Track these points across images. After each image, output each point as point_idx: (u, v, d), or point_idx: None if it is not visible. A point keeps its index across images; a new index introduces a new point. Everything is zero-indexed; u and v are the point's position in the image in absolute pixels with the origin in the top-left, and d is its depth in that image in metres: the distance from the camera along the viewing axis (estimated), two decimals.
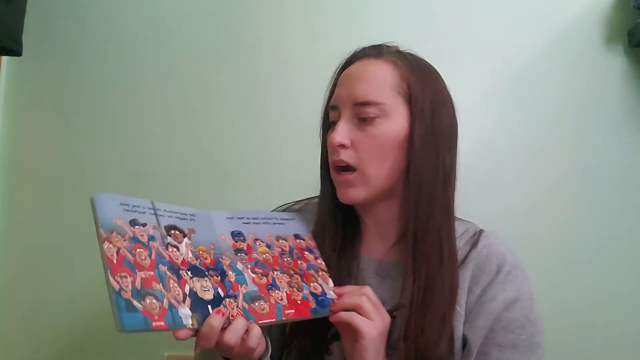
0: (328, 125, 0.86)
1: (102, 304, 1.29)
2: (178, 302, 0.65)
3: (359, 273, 0.88)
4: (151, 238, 0.68)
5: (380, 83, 0.79)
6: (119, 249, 0.63)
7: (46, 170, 1.37)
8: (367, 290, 0.79)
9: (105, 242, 0.63)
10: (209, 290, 0.69)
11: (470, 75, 1.32)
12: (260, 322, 0.72)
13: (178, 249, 0.70)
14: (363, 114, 0.79)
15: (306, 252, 0.86)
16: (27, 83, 1.38)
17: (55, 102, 1.39)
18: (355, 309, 0.77)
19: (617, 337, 1.27)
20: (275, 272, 0.79)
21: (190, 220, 0.75)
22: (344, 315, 0.76)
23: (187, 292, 0.67)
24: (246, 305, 0.72)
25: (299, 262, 0.84)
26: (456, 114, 0.85)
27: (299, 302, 0.78)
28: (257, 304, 0.73)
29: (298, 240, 0.87)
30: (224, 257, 0.75)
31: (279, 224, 0.87)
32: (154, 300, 0.62)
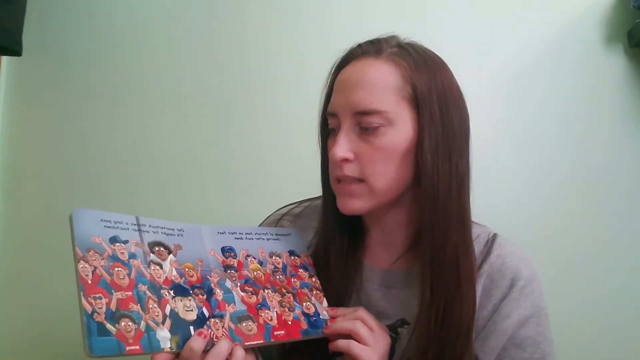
0: (327, 131, 0.81)
1: None
2: (157, 323, 0.62)
3: (362, 284, 0.84)
4: (132, 256, 0.65)
5: (382, 89, 0.73)
6: (95, 268, 0.61)
7: (46, 170, 1.37)
8: (362, 313, 0.76)
9: (81, 261, 0.60)
10: (192, 310, 0.67)
11: (471, 75, 1.26)
12: (246, 343, 0.69)
13: (161, 267, 0.68)
14: (365, 124, 0.73)
15: (300, 270, 0.83)
16: (27, 83, 1.39)
17: (55, 102, 1.39)
18: (351, 335, 0.74)
19: (621, 339, 1.27)
20: (267, 291, 0.76)
21: (178, 235, 0.73)
22: (341, 344, 0.73)
23: (168, 313, 0.64)
24: (232, 326, 0.69)
25: (292, 280, 0.80)
26: (467, 108, 0.80)
27: (290, 322, 0.75)
28: (244, 324, 0.70)
29: (293, 257, 0.84)
30: (212, 274, 0.72)
31: (273, 239, 0.84)
32: (130, 323, 0.60)
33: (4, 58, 1.36)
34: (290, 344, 0.82)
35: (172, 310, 0.65)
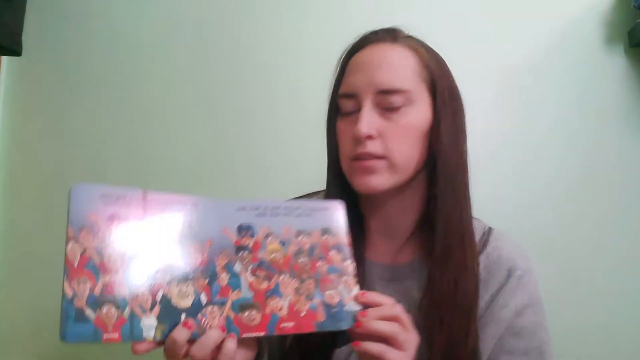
0: (337, 115, 0.81)
1: None
2: (143, 310, 0.61)
3: (364, 279, 0.81)
4: None
5: (404, 69, 0.76)
6: (84, 249, 0.60)
7: (46, 170, 1.38)
8: (400, 311, 0.68)
9: (70, 241, 0.60)
10: (188, 297, 0.64)
11: (471, 75, 1.25)
12: (244, 334, 0.65)
13: None
14: (387, 103, 0.76)
15: (332, 252, 0.75)
16: (27, 83, 1.39)
17: (55, 102, 1.40)
18: (387, 339, 0.66)
19: (617, 337, 1.26)
20: (283, 276, 0.70)
21: (191, 210, 0.69)
22: (373, 348, 0.66)
23: (158, 299, 0.62)
24: (232, 315, 0.65)
25: (318, 264, 0.73)
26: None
27: (304, 313, 0.69)
28: (246, 313, 0.66)
29: (326, 236, 0.75)
30: (220, 256, 0.68)
31: (304, 215, 0.76)
32: (112, 309, 0.59)
33: (4, 58, 1.38)
34: (293, 337, 0.79)
35: (163, 296, 0.62)
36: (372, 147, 0.75)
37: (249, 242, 0.71)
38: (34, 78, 1.41)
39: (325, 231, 0.76)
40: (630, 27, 1.31)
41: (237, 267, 0.69)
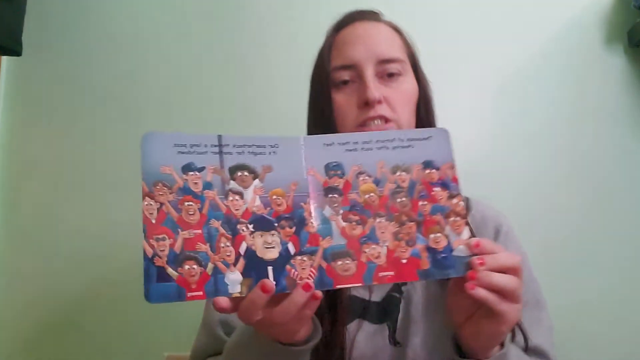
0: (328, 86, 0.81)
1: (101, 304, 1.30)
2: (227, 265, 0.57)
3: None
4: (207, 186, 0.59)
5: (396, 42, 0.83)
6: (161, 204, 0.57)
7: (46, 170, 1.37)
8: (517, 260, 0.60)
9: (146, 198, 0.57)
10: (274, 248, 0.59)
11: (471, 74, 1.33)
12: (338, 285, 0.59)
13: (242, 197, 0.60)
14: (387, 72, 0.79)
15: (437, 188, 0.64)
16: (27, 83, 1.38)
17: (56, 102, 1.39)
18: (503, 292, 0.58)
19: (620, 337, 1.27)
20: (379, 219, 0.62)
21: (270, 153, 0.62)
22: (489, 298, 0.58)
23: (243, 252, 0.58)
24: (324, 265, 0.59)
25: (420, 203, 0.63)
26: None
27: (405, 260, 0.61)
28: (340, 262, 0.60)
29: (428, 171, 0.65)
30: (308, 200, 0.61)
31: (402, 147, 0.65)
32: (195, 266, 0.56)
33: (4, 58, 1.35)
34: None
35: (248, 249, 0.58)
36: (382, 110, 0.76)
37: (339, 183, 0.63)
38: (34, 78, 1.40)
39: (428, 164, 0.65)
40: (630, 27, 1.31)
41: (327, 211, 0.62)
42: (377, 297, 0.80)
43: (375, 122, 0.77)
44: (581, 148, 1.33)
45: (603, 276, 1.29)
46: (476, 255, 0.60)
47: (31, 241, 1.34)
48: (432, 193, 0.64)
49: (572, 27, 1.36)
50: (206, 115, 1.40)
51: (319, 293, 0.57)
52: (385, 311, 0.79)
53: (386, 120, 0.77)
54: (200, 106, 1.40)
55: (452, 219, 0.63)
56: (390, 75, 0.79)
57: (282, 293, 0.56)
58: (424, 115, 0.83)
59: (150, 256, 0.55)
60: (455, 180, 0.65)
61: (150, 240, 0.55)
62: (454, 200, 0.64)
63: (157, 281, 0.55)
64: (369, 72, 0.78)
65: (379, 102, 0.76)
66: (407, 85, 0.81)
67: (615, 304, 1.28)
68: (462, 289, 0.59)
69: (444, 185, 0.64)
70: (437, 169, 0.65)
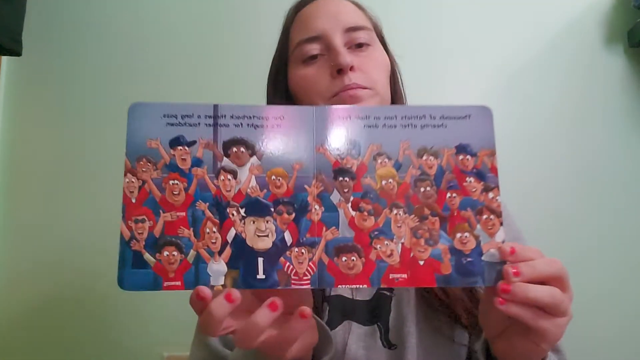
0: (289, 60, 0.77)
1: (100, 303, 1.27)
2: (211, 253, 0.50)
3: None
4: (197, 163, 0.52)
5: (360, 13, 0.77)
6: (143, 182, 0.51)
7: (46, 170, 1.36)
8: (560, 266, 0.50)
9: (127, 174, 0.51)
10: (267, 236, 0.51)
11: (471, 74, 1.34)
12: (340, 285, 0.51)
13: (235, 176, 0.52)
14: (356, 40, 0.74)
15: (470, 178, 0.53)
16: (27, 83, 1.38)
17: (55, 102, 1.38)
18: (543, 307, 0.49)
19: (615, 337, 1.25)
20: (395, 211, 0.52)
21: (274, 126, 0.54)
22: (525, 315, 0.49)
23: (230, 240, 0.51)
24: (325, 260, 0.51)
25: (448, 195, 0.53)
26: None
27: (422, 262, 0.51)
28: (344, 258, 0.51)
29: (462, 157, 0.53)
30: (313, 182, 0.53)
31: (434, 126, 0.54)
32: (175, 252, 0.50)
33: (4, 58, 1.34)
34: None
35: (237, 236, 0.51)
36: (356, 78, 0.70)
37: (352, 164, 0.53)
38: (34, 78, 1.39)
39: (462, 149, 0.54)
40: (630, 27, 1.32)
41: (335, 197, 0.53)
42: (363, 295, 0.71)
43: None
44: (582, 148, 1.33)
45: (604, 276, 1.28)
46: (510, 262, 0.49)
47: (31, 240, 1.34)
48: (464, 184, 0.53)
49: (572, 27, 1.36)
50: None
51: (308, 312, 0.48)
52: (375, 311, 0.70)
53: (363, 87, 0.71)
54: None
55: (484, 216, 0.52)
56: (359, 45, 0.74)
57: (270, 290, 0.49)
58: (393, 93, 0.78)
59: (127, 239, 0.50)
60: (494, 170, 0.53)
61: (129, 222, 0.50)
62: (490, 195, 0.52)
63: (133, 267, 0.49)
64: (338, 41, 0.72)
65: (352, 69, 0.71)
66: (378, 54, 0.75)
67: (615, 305, 1.28)
68: (492, 301, 0.49)
69: (480, 175, 0.53)
70: (473, 155, 0.53)
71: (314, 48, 0.73)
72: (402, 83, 0.82)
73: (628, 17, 1.34)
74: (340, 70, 0.70)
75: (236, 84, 1.36)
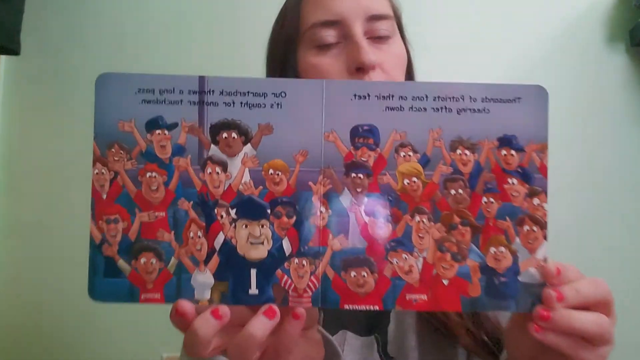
0: (299, 45, 0.64)
1: (98, 304, 1.15)
2: (196, 262, 0.43)
3: None
4: (178, 151, 0.43)
5: None
6: (115, 174, 0.43)
7: (46, 170, 1.33)
8: (605, 289, 0.43)
9: (97, 164, 0.43)
10: (262, 244, 0.43)
11: (471, 74, 1.31)
12: (347, 306, 0.43)
13: (225, 169, 0.43)
14: (376, 31, 0.62)
15: (513, 180, 0.43)
16: (27, 83, 1.35)
17: (55, 101, 1.36)
18: (590, 338, 0.42)
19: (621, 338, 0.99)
20: (418, 218, 0.43)
21: (273, 105, 0.43)
22: (564, 346, 0.42)
23: (218, 246, 0.43)
24: (331, 274, 0.43)
25: (484, 200, 0.43)
26: None
27: (447, 281, 0.43)
28: (353, 273, 0.43)
29: (505, 152, 0.43)
30: (320, 178, 0.44)
31: (474, 110, 0.43)
32: (153, 260, 0.43)
33: (3, 57, 1.31)
34: None
35: (226, 242, 0.43)
36: (376, 78, 0.60)
37: (369, 157, 0.44)
38: (33, 78, 1.35)
39: (507, 142, 0.43)
40: (632, 26, 1.31)
41: (346, 198, 0.44)
42: None
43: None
44: (582, 147, 1.32)
45: (605, 276, 1.15)
46: (549, 283, 0.41)
47: (31, 240, 1.33)
48: (505, 186, 0.43)
49: (574, 26, 1.35)
50: None
51: (301, 311, 0.41)
52: (373, 321, 0.63)
53: None
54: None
55: (526, 227, 0.42)
56: (380, 37, 0.63)
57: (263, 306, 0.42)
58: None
59: (97, 242, 0.42)
60: (543, 169, 0.43)
61: (99, 222, 0.42)
62: (535, 201, 0.42)
63: (105, 275, 0.42)
64: (358, 32, 0.61)
65: (373, 67, 0.60)
66: (398, 48, 0.66)
67: (617, 306, 1.21)
68: (524, 327, 0.41)
69: (525, 176, 0.43)
70: (520, 149, 0.43)
71: (330, 35, 0.62)
72: (414, 75, 0.72)
73: (630, 16, 1.33)
74: (359, 68, 0.60)
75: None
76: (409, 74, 0.70)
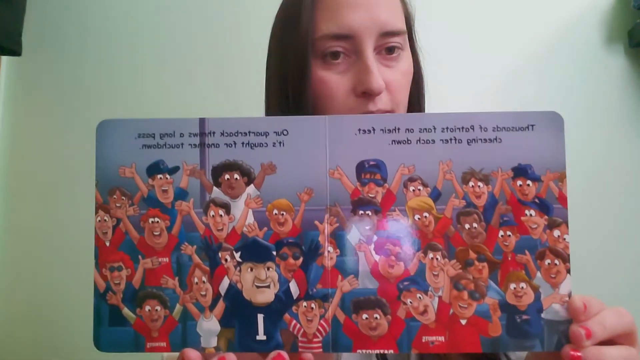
0: (310, 58, 0.59)
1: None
2: (201, 309, 0.41)
3: None
4: (180, 195, 0.42)
5: (397, 6, 0.62)
6: (118, 220, 0.42)
7: (46, 170, 1.34)
8: (632, 323, 0.41)
9: (99, 211, 0.42)
10: (268, 287, 0.41)
11: (471, 74, 1.32)
12: (360, 350, 0.41)
13: (228, 211, 0.42)
14: (389, 48, 0.59)
15: (531, 211, 0.40)
16: (27, 83, 1.36)
17: (55, 103, 1.36)
18: None
19: None
20: (432, 255, 0.41)
21: (275, 144, 0.42)
22: None
23: (223, 292, 0.41)
24: (342, 317, 0.41)
25: (501, 233, 0.40)
26: None
27: (464, 321, 0.40)
28: (365, 316, 0.41)
29: (521, 182, 0.41)
30: (326, 217, 0.42)
31: (485, 140, 0.41)
32: (158, 307, 0.41)
33: (4, 58, 1.33)
34: None
35: (231, 287, 0.41)
36: (382, 103, 0.58)
37: (377, 193, 0.42)
38: (34, 78, 1.37)
39: (522, 172, 0.41)
40: (630, 27, 1.31)
41: (354, 236, 0.42)
42: None
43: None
44: (581, 148, 1.28)
45: (605, 276, 1.24)
46: (575, 320, 0.39)
47: (31, 241, 1.33)
48: (523, 218, 0.40)
49: (573, 27, 1.35)
50: (206, 113, 1.33)
51: (309, 357, 0.39)
52: None
53: (385, 112, 0.59)
54: (202, 104, 1.35)
55: (547, 261, 0.40)
56: (390, 50, 0.60)
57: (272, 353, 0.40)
58: (415, 98, 0.66)
59: (102, 291, 0.42)
60: (562, 200, 0.40)
61: (103, 270, 0.42)
62: (556, 232, 0.40)
63: (110, 324, 0.41)
64: (369, 49, 0.58)
65: (380, 92, 0.57)
66: (407, 62, 0.62)
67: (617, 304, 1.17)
68: None
69: (543, 207, 0.40)
70: (536, 179, 0.40)
71: (339, 45, 0.59)
72: (424, 86, 0.68)
73: (628, 17, 1.33)
74: (367, 92, 0.57)
75: (234, 92, 1.32)
76: (417, 86, 0.67)
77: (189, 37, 1.38)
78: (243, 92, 1.25)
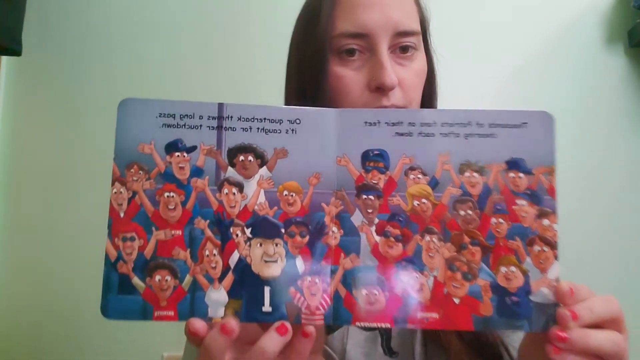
0: (329, 55, 0.63)
1: (99, 303, 1.18)
2: (210, 280, 0.43)
3: None
4: (196, 172, 0.45)
5: (412, 7, 0.66)
6: (134, 193, 0.44)
7: (46, 170, 1.34)
8: (617, 307, 0.44)
9: (116, 184, 0.44)
10: (275, 262, 0.44)
11: (471, 74, 1.31)
12: (358, 323, 0.43)
13: (241, 190, 0.45)
14: (403, 48, 0.63)
15: (522, 201, 0.44)
16: (27, 83, 1.36)
17: (56, 102, 1.36)
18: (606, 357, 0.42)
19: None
20: (428, 238, 0.44)
21: (289, 131, 0.45)
22: None
23: (233, 265, 0.43)
24: (343, 292, 0.43)
25: (493, 220, 0.44)
26: None
27: (458, 300, 0.43)
28: (364, 291, 0.43)
29: (513, 174, 0.45)
30: (332, 200, 0.45)
31: (481, 135, 0.45)
32: (168, 277, 0.43)
33: (4, 58, 1.33)
34: None
35: (240, 261, 0.44)
36: (395, 99, 0.61)
37: (379, 179, 0.45)
38: (34, 78, 1.36)
39: (514, 165, 0.45)
40: (630, 27, 1.32)
41: (357, 218, 0.45)
42: None
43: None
44: (581, 148, 1.31)
45: (605, 276, 1.22)
46: (562, 303, 0.42)
47: (31, 241, 1.33)
48: (514, 207, 0.44)
49: (573, 27, 1.36)
50: None
51: (310, 330, 0.41)
52: None
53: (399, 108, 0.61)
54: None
55: (536, 248, 0.43)
56: (404, 49, 0.63)
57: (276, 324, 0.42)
58: (428, 97, 0.68)
59: (112, 260, 0.43)
60: (552, 191, 0.44)
61: (115, 239, 0.43)
62: (545, 222, 0.44)
63: (119, 292, 0.43)
64: (384, 47, 0.61)
65: (392, 87, 0.60)
66: (420, 62, 0.65)
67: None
68: (540, 346, 0.41)
69: (534, 197, 0.44)
70: (528, 172, 0.44)
71: (355, 43, 0.63)
72: (436, 85, 0.72)
73: (628, 17, 1.34)
74: (380, 87, 0.60)
75: (238, 84, 1.33)
76: (431, 85, 0.70)
77: (190, 37, 1.38)
78: (246, 95, 1.29)
